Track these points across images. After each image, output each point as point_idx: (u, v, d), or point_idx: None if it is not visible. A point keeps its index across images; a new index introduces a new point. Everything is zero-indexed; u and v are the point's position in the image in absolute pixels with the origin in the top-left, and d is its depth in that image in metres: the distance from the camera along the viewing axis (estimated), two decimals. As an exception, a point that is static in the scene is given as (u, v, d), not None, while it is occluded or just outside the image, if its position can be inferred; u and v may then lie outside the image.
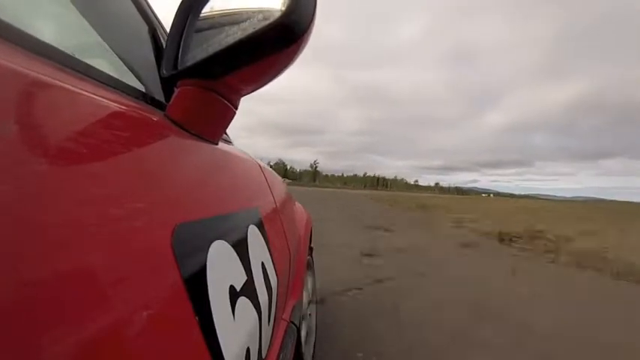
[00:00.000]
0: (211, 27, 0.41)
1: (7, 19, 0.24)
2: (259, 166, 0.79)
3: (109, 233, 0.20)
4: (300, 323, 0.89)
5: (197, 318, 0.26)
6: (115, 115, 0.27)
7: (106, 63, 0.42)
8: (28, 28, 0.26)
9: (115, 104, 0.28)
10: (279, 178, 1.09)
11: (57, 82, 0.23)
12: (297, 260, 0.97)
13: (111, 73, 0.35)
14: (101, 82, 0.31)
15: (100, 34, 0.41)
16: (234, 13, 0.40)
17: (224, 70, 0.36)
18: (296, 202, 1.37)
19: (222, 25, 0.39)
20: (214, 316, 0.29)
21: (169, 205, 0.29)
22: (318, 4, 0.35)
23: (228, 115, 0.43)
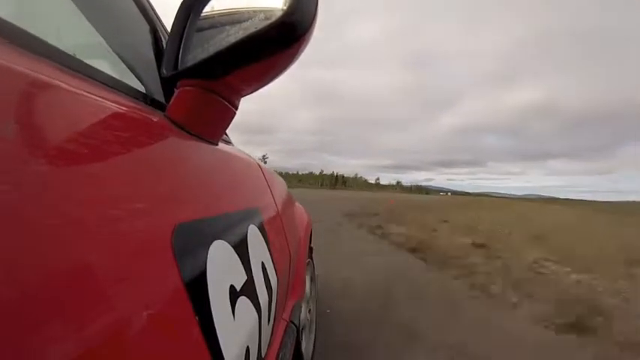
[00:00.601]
0: (212, 26, 0.41)
1: (8, 18, 0.24)
2: (259, 166, 0.79)
3: (109, 233, 0.20)
4: (300, 323, 0.89)
5: (197, 318, 0.26)
6: (115, 115, 0.27)
7: (107, 63, 0.42)
8: (29, 27, 0.26)
9: (115, 105, 0.28)
10: (280, 178, 1.09)
11: (57, 82, 0.23)
12: (297, 260, 0.97)
13: (111, 74, 0.35)
14: (101, 83, 0.31)
15: (100, 34, 0.41)
16: (236, 13, 0.40)
17: (225, 70, 0.36)
18: (296, 203, 1.36)
19: (223, 24, 0.39)
20: (214, 316, 0.29)
21: (169, 205, 0.29)
22: (320, 3, 0.35)
23: (228, 116, 0.43)
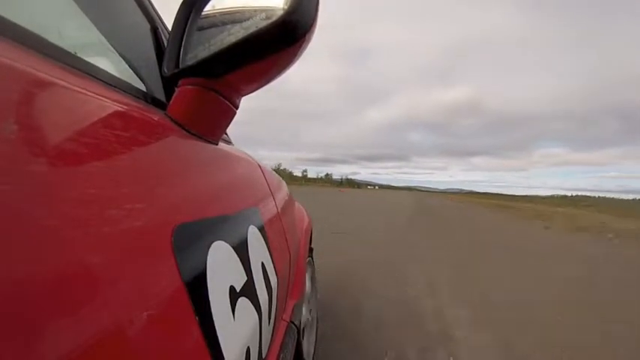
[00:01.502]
0: (213, 25, 0.41)
1: (10, 17, 0.24)
2: (259, 166, 0.79)
3: (109, 233, 0.20)
4: (301, 323, 0.89)
5: (197, 318, 0.26)
6: (116, 114, 0.27)
7: (108, 62, 0.42)
8: (31, 26, 0.26)
9: (116, 103, 0.28)
10: (280, 178, 1.09)
11: (58, 80, 0.23)
12: (297, 260, 0.97)
13: (112, 72, 0.35)
14: (102, 81, 0.31)
15: (101, 33, 0.41)
16: (237, 12, 0.40)
17: (226, 70, 0.36)
18: (296, 203, 1.36)
19: (224, 23, 0.39)
20: (214, 317, 0.29)
21: (169, 206, 0.28)
22: (321, 2, 0.35)
23: (228, 115, 0.43)
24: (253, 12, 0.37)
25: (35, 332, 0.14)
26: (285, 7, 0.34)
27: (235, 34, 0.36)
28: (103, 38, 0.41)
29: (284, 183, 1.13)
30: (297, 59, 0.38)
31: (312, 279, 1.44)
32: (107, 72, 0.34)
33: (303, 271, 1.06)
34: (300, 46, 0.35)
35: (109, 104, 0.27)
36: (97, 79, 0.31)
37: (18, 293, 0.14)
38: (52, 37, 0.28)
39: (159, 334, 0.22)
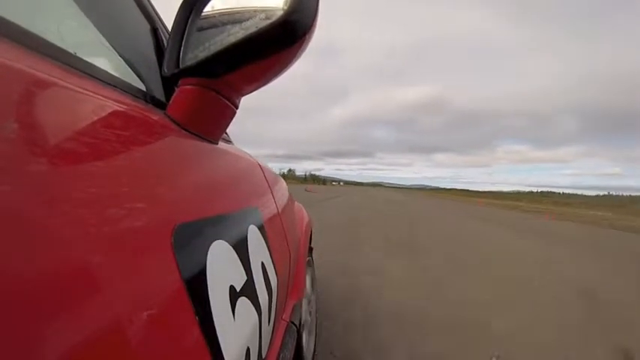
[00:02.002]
0: (213, 26, 0.41)
1: (9, 17, 0.24)
2: (259, 166, 0.79)
3: (109, 233, 0.20)
4: (301, 323, 0.89)
5: (197, 318, 0.26)
6: (116, 113, 0.27)
7: (107, 62, 0.42)
8: (30, 26, 0.26)
9: (116, 103, 0.28)
10: (280, 178, 1.09)
11: (58, 80, 0.23)
12: (297, 260, 0.97)
13: (112, 72, 0.35)
14: (102, 81, 0.31)
15: (101, 33, 0.41)
16: (236, 12, 0.40)
17: (226, 70, 0.36)
18: (296, 202, 1.36)
19: (224, 24, 0.39)
20: (214, 316, 0.29)
21: (169, 205, 0.28)
22: (321, 2, 0.35)
23: (228, 115, 0.43)
24: (253, 12, 0.37)
25: (35, 332, 0.14)
26: (285, 7, 0.34)
27: (235, 34, 0.37)
28: (102, 38, 0.41)
29: (284, 183, 1.13)
30: (298, 59, 0.38)
31: (312, 279, 1.44)
32: (107, 72, 0.34)
33: (303, 271, 1.06)
34: (300, 46, 0.35)
35: (109, 104, 0.27)
36: (97, 79, 0.31)
37: (18, 293, 0.14)
38: (52, 38, 0.28)
39: (159, 333, 0.22)
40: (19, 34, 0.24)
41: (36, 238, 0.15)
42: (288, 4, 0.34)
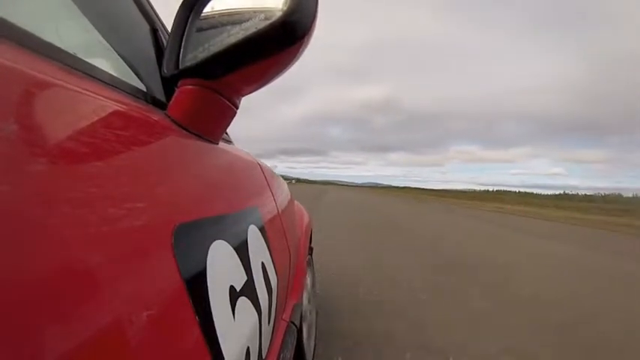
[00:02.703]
0: (213, 27, 0.41)
1: (9, 18, 0.24)
2: (259, 166, 0.79)
3: (109, 233, 0.20)
4: (301, 323, 0.89)
5: (197, 318, 0.26)
6: (116, 114, 0.27)
7: (107, 62, 0.42)
8: (30, 27, 0.26)
9: (116, 103, 0.28)
10: (280, 178, 1.09)
11: (58, 81, 0.23)
12: (297, 260, 0.97)
13: (112, 73, 0.35)
14: (102, 82, 0.31)
15: (101, 34, 0.41)
16: (236, 13, 0.40)
17: (225, 70, 0.36)
18: (296, 202, 1.36)
19: (224, 24, 0.39)
20: (214, 316, 0.29)
21: (169, 205, 0.29)
22: (320, 3, 0.35)
23: (228, 115, 0.43)
24: (252, 13, 0.37)
25: (35, 332, 0.14)
26: (284, 8, 0.34)
27: (235, 35, 0.37)
28: (102, 39, 0.41)
29: (284, 182, 1.13)
30: (297, 59, 0.38)
31: (312, 278, 1.45)
32: (107, 72, 0.34)
33: (303, 271, 1.06)
34: (300, 47, 0.36)
35: (110, 104, 0.27)
36: (97, 79, 0.31)
37: (18, 293, 0.14)
38: (52, 39, 0.28)
39: (159, 334, 0.22)
40: (19, 35, 0.24)
41: (36, 239, 0.16)
42: (287, 5, 0.34)
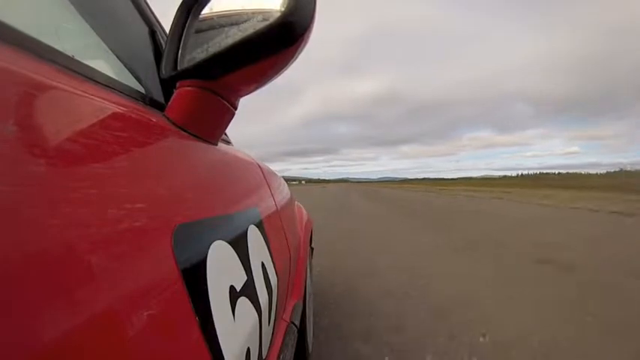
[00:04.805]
0: (211, 28, 0.41)
1: (7, 20, 0.24)
2: (259, 166, 0.79)
3: (109, 234, 0.20)
4: (301, 323, 0.89)
5: (197, 318, 0.26)
6: (114, 116, 0.27)
7: (106, 64, 0.42)
8: (28, 29, 0.26)
9: (114, 105, 0.28)
10: (280, 178, 1.09)
11: (56, 83, 0.23)
12: (297, 260, 0.97)
13: (110, 75, 0.35)
14: (100, 84, 0.31)
15: (99, 36, 0.41)
16: (234, 14, 0.40)
17: (224, 71, 0.36)
18: (296, 202, 1.37)
19: (222, 26, 0.40)
20: (214, 316, 0.29)
21: (169, 206, 0.29)
22: (318, 4, 0.35)
23: (227, 116, 0.43)
24: (251, 14, 0.37)
25: (36, 332, 0.14)
26: (282, 8, 0.35)
27: (233, 36, 0.37)
28: (100, 41, 0.41)
29: (284, 183, 1.13)
30: (296, 59, 0.38)
31: (310, 277, 1.45)
32: (105, 74, 0.34)
33: (303, 271, 1.06)
34: (298, 47, 0.36)
35: (108, 106, 0.27)
36: (95, 81, 0.31)
37: (18, 293, 0.14)
38: (51, 41, 0.28)
39: (159, 334, 0.22)
40: (17, 38, 0.24)
41: (37, 240, 0.16)
42: (285, 6, 0.34)
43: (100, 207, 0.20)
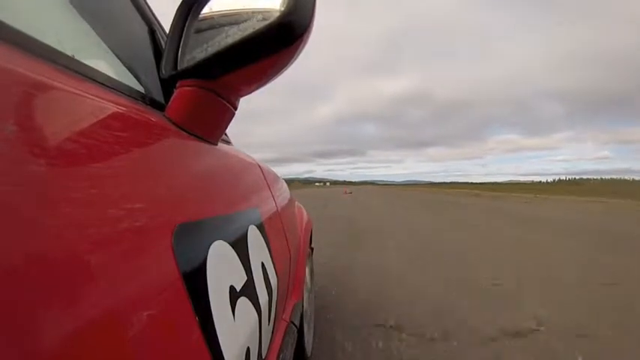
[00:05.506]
0: (211, 28, 0.41)
1: (7, 20, 0.24)
2: (259, 166, 0.79)
3: (110, 234, 0.20)
4: (301, 323, 0.89)
5: (197, 318, 0.26)
6: (115, 116, 0.27)
7: (106, 64, 0.42)
8: (28, 29, 0.26)
9: (115, 105, 0.28)
10: (280, 178, 1.09)
11: (57, 83, 0.23)
12: (297, 260, 0.97)
13: (110, 75, 0.35)
14: (101, 84, 0.31)
15: (99, 36, 0.41)
16: (234, 14, 0.40)
17: (224, 71, 0.36)
18: (296, 202, 1.36)
19: (222, 25, 0.39)
20: (214, 316, 0.29)
21: (170, 206, 0.29)
22: (317, 3, 0.35)
23: (227, 116, 0.43)
24: (250, 14, 0.37)
25: (36, 332, 0.14)
26: (282, 8, 0.34)
27: (233, 35, 0.37)
28: (101, 41, 0.41)
29: (284, 183, 1.13)
30: (295, 59, 0.38)
31: (311, 276, 1.45)
32: (105, 74, 0.34)
33: (303, 271, 1.06)
34: (298, 47, 0.36)
35: (108, 106, 0.27)
36: (96, 81, 0.31)
37: (18, 293, 0.14)
38: (51, 41, 0.28)
39: (159, 333, 0.22)
40: (17, 38, 0.24)
41: (37, 240, 0.16)
42: (285, 6, 0.34)
43: (100, 207, 0.20)
